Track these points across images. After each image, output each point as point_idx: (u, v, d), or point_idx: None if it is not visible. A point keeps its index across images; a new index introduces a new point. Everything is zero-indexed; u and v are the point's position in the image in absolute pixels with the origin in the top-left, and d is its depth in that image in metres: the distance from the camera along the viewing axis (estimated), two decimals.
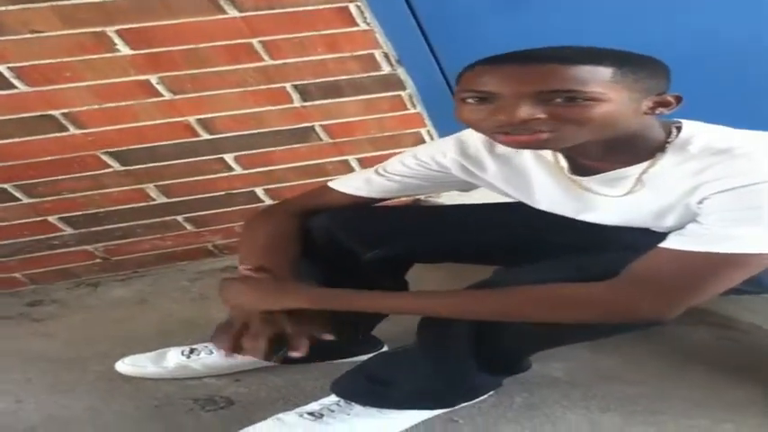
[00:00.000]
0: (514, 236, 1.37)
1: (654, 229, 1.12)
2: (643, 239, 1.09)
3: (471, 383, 1.30)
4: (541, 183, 1.22)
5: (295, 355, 1.14)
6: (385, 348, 1.57)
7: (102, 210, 2.03)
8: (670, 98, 0.97)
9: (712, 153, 0.98)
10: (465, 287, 1.17)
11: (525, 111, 0.91)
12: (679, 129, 1.05)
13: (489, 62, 0.94)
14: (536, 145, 0.98)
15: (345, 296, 1.17)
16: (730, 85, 2.02)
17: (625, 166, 1.07)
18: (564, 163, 1.15)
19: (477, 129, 1.00)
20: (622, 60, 0.92)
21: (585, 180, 1.13)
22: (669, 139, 1.04)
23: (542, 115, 0.91)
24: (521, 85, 0.90)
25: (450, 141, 1.29)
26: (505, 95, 0.91)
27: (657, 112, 0.97)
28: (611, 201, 1.13)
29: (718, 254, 0.94)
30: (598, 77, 0.89)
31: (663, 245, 1.00)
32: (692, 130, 1.04)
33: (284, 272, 1.25)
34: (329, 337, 1.16)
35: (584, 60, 0.89)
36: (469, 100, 0.96)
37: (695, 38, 1.91)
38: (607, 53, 0.92)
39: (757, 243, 0.93)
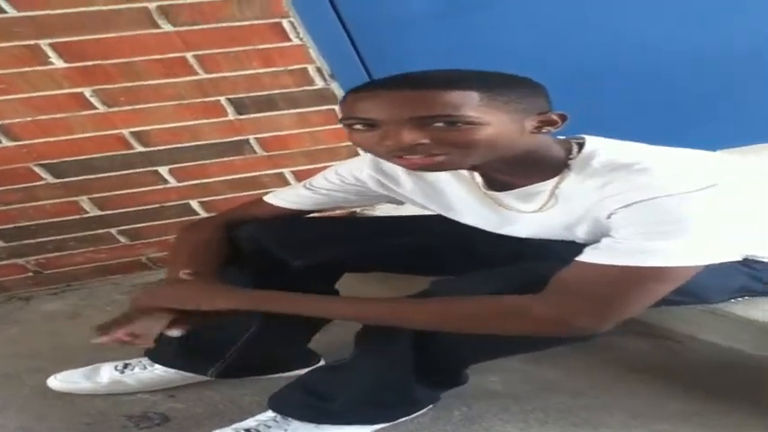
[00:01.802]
0: (443, 245, 1.41)
1: (569, 239, 1.16)
2: (569, 249, 1.12)
3: (410, 397, 1.31)
4: (459, 198, 1.26)
5: (172, 333, 1.14)
6: (322, 362, 1.57)
7: (34, 222, 2.02)
8: (554, 117, 1.00)
9: (613, 168, 1.01)
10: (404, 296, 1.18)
11: (408, 136, 0.93)
12: (581, 144, 1.09)
13: (363, 89, 0.97)
14: (432, 167, 1.00)
15: (279, 298, 1.18)
16: (670, 97, 2.12)
17: (537, 182, 1.11)
18: (479, 179, 1.19)
19: (372, 153, 1.03)
20: (489, 83, 0.94)
21: (501, 195, 1.17)
22: (571, 156, 1.08)
23: (425, 140, 0.94)
24: (397, 112, 0.92)
25: (366, 158, 1.31)
26: (386, 122, 0.94)
27: (544, 131, 1.01)
28: (525, 216, 1.17)
29: (631, 267, 0.96)
30: (468, 102, 0.91)
31: (580, 258, 1.02)
32: (595, 145, 1.08)
33: (210, 276, 1.24)
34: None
35: (452, 86, 0.91)
36: (356, 126, 0.98)
37: (628, 51, 1.99)
38: (474, 77, 0.94)
39: (668, 257, 0.95)
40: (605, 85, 1.97)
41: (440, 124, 0.92)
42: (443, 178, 1.25)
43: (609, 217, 0.99)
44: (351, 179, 1.34)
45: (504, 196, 1.16)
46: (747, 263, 1.24)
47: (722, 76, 2.13)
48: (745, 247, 1.21)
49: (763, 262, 1.25)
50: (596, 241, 1.04)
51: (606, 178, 1.01)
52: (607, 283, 0.98)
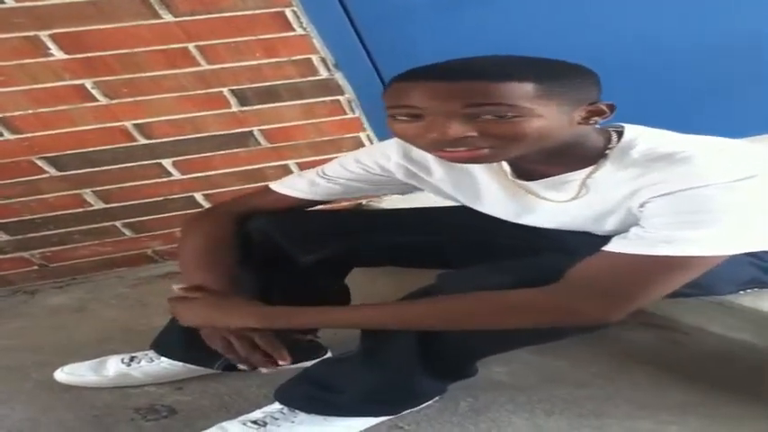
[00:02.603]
0: (455, 239, 1.40)
1: (593, 232, 1.15)
2: (584, 242, 1.12)
3: (417, 389, 1.30)
4: (487, 186, 1.24)
5: (283, 364, 1.16)
6: (329, 354, 1.55)
7: (38, 216, 2.02)
8: (603, 107, 0.98)
9: (653, 158, 1.00)
10: (409, 293, 1.18)
11: (456, 129, 0.91)
12: (620, 133, 1.07)
13: (410, 77, 0.94)
14: (477, 160, 0.98)
15: (293, 314, 1.17)
16: (670, 90, 2.11)
17: (569, 171, 1.09)
18: (506, 167, 1.18)
19: (414, 145, 1.01)
20: (544, 74, 0.91)
21: (530, 184, 1.15)
22: (610, 145, 1.06)
23: (473, 133, 0.92)
24: (446, 103, 0.90)
25: (393, 145, 1.29)
26: (433, 113, 0.92)
27: (591, 121, 0.99)
28: (554, 205, 1.15)
29: (660, 256, 0.96)
30: (522, 93, 0.88)
31: (607, 248, 1.02)
32: (635, 134, 1.06)
33: (222, 285, 1.24)
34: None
35: (507, 77, 0.89)
36: (399, 116, 0.96)
37: (635, 42, 1.99)
38: (529, 67, 0.92)
39: (698, 246, 0.95)
40: (609, 78, 1.97)
41: (488, 116, 0.90)
42: (475, 166, 1.23)
43: (642, 206, 0.99)
44: (376, 168, 1.31)
45: (533, 185, 1.15)
46: (757, 254, 1.23)
47: (724, 68, 2.12)
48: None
49: None
50: (619, 232, 1.04)
51: (645, 168, 1.00)
52: (630, 272, 0.98)
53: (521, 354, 1.25)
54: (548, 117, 0.91)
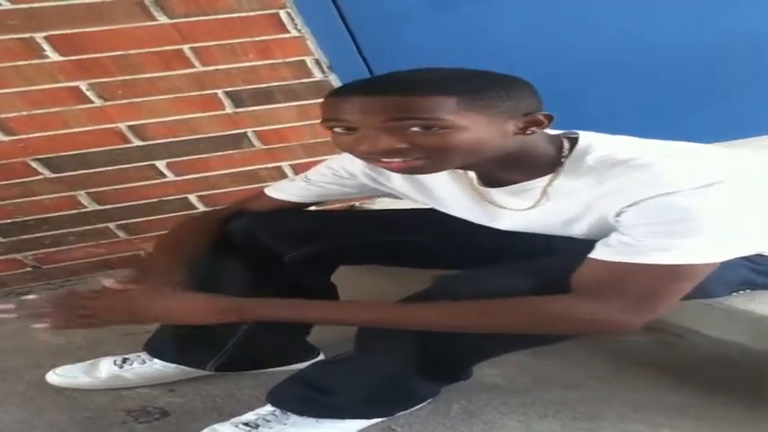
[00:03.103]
0: (438, 239, 1.41)
1: (566, 234, 1.16)
2: (566, 241, 1.14)
3: (413, 392, 1.31)
4: (449, 193, 1.26)
5: None
6: (321, 356, 1.58)
7: (32, 217, 2.03)
8: (540, 117, 0.99)
9: (610, 165, 1.01)
10: (409, 296, 1.17)
11: (385, 141, 0.94)
12: (573, 140, 1.08)
13: (338, 93, 0.97)
14: (411, 171, 1.01)
15: (276, 305, 1.16)
16: (666, 91, 2.12)
17: (528, 179, 1.10)
18: (472, 174, 1.19)
19: (353, 155, 1.02)
20: (469, 87, 0.93)
21: (492, 191, 1.17)
22: (563, 153, 1.07)
23: (403, 145, 0.94)
24: (373, 116, 0.92)
25: None
26: (363, 125, 0.94)
27: (529, 131, 0.99)
28: (517, 213, 1.17)
29: (660, 264, 0.96)
30: (445, 106, 0.90)
31: (596, 255, 1.02)
32: (589, 141, 1.07)
33: (176, 269, 1.23)
34: None
35: (429, 90, 0.91)
36: (336, 129, 0.98)
37: (624, 44, 2.00)
38: (454, 80, 0.94)
39: (690, 254, 0.96)
40: (602, 79, 1.98)
41: (416, 129, 0.92)
42: (435, 174, 1.21)
43: (618, 215, 0.99)
44: (343, 173, 1.34)
45: (495, 192, 1.16)
46: (749, 257, 1.23)
47: (718, 68, 2.13)
48: (757, 241, 1.19)
49: (765, 256, 1.25)
50: (596, 237, 1.05)
51: (603, 175, 1.01)
52: (647, 280, 0.99)
53: (514, 356, 1.24)
54: (474, 129, 0.92)
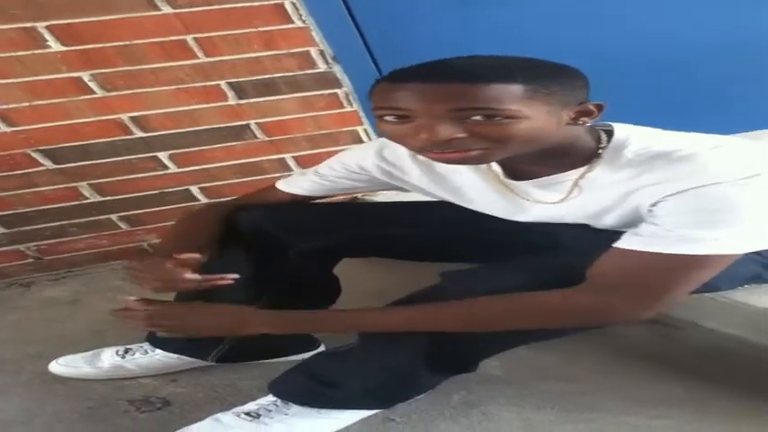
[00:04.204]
0: (443, 232, 1.43)
1: (591, 225, 1.17)
2: (578, 236, 1.16)
3: (417, 383, 1.32)
4: (472, 185, 1.27)
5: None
6: (321, 348, 1.61)
7: (34, 209, 2.04)
8: (592, 107, 0.98)
9: (649, 157, 1.01)
10: (413, 293, 1.19)
11: (445, 130, 0.92)
12: (609, 133, 1.08)
13: (397, 78, 0.94)
14: (467, 161, 0.99)
15: (313, 319, 1.23)
16: (676, 88, 2.13)
17: (561, 172, 1.11)
18: (497, 168, 1.20)
19: (404, 146, 1.02)
20: (532, 75, 0.91)
21: (521, 184, 1.17)
22: (601, 145, 1.07)
23: (462, 134, 0.93)
24: (433, 105, 0.90)
25: (373, 146, 1.33)
26: (421, 114, 0.92)
27: (580, 122, 0.99)
28: (545, 206, 1.17)
29: (684, 255, 0.97)
30: (510, 95, 0.89)
31: (624, 245, 1.03)
32: (626, 134, 1.07)
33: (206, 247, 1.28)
34: None
35: (493, 78, 0.89)
36: (388, 117, 0.97)
37: (644, 39, 2.01)
38: (516, 68, 0.91)
39: (720, 244, 0.97)
40: (620, 74, 1.98)
41: (477, 117, 0.91)
42: (458, 168, 1.25)
43: (654, 205, 1.00)
44: (355, 168, 1.36)
45: (524, 185, 1.17)
46: (760, 251, 1.23)
47: (740, 62, 2.13)
48: None
49: None
50: (624, 228, 1.06)
51: (642, 167, 1.02)
52: (656, 270, 1.00)
53: (514, 348, 1.26)
54: (536, 118, 0.91)
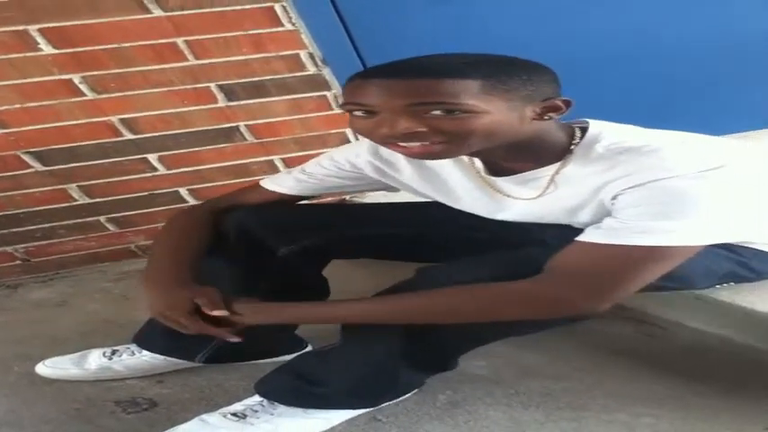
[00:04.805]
0: (431, 232, 1.46)
1: (570, 224, 1.21)
2: (563, 234, 1.17)
3: (399, 382, 1.36)
4: (458, 183, 1.30)
5: (233, 340, 1.22)
6: (308, 348, 1.63)
7: (22, 210, 2.05)
8: (558, 103, 1.02)
9: (619, 151, 1.05)
10: (387, 288, 1.23)
11: (404, 124, 0.96)
12: (584, 129, 1.12)
13: (360, 76, 0.99)
14: (430, 155, 1.04)
15: (278, 309, 1.24)
16: (667, 85, 2.17)
17: (536, 168, 1.14)
18: (479, 164, 1.23)
19: (370, 139, 1.06)
20: (490, 71, 0.95)
21: (500, 180, 1.21)
22: (574, 141, 1.11)
23: (422, 128, 0.97)
24: (391, 99, 0.95)
25: (364, 144, 1.35)
26: (383, 109, 0.96)
27: (546, 117, 1.03)
28: (524, 203, 1.21)
29: (637, 246, 1.01)
30: (467, 90, 0.92)
31: (583, 238, 1.07)
32: (599, 129, 1.11)
33: (185, 273, 1.27)
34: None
35: (450, 74, 0.93)
36: (356, 112, 1.01)
37: (625, 37, 2.03)
38: (476, 64, 0.95)
39: (674, 236, 1.00)
40: (602, 71, 2.02)
41: (437, 112, 0.94)
42: (444, 164, 1.29)
43: (614, 198, 1.04)
44: (347, 165, 1.38)
45: (503, 181, 1.20)
46: (734, 248, 1.28)
47: (720, 62, 2.16)
48: (744, 231, 1.24)
49: (751, 248, 1.29)
50: (595, 222, 1.09)
51: (611, 161, 1.05)
52: (611, 261, 1.03)
53: (499, 347, 1.29)
54: (495, 113, 0.95)
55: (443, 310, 1.14)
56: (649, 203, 1.00)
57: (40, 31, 1.66)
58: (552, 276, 1.07)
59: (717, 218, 1.03)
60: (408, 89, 0.94)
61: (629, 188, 1.01)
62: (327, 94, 2.02)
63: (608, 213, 1.08)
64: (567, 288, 1.06)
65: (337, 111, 2.07)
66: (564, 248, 1.09)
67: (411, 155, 1.04)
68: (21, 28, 1.65)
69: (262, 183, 1.48)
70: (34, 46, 1.69)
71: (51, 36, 1.68)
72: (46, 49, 1.70)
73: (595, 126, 1.13)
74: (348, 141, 2.14)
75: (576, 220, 1.18)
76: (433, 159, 1.17)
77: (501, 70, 0.96)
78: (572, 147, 1.11)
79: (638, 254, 1.01)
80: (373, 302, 1.20)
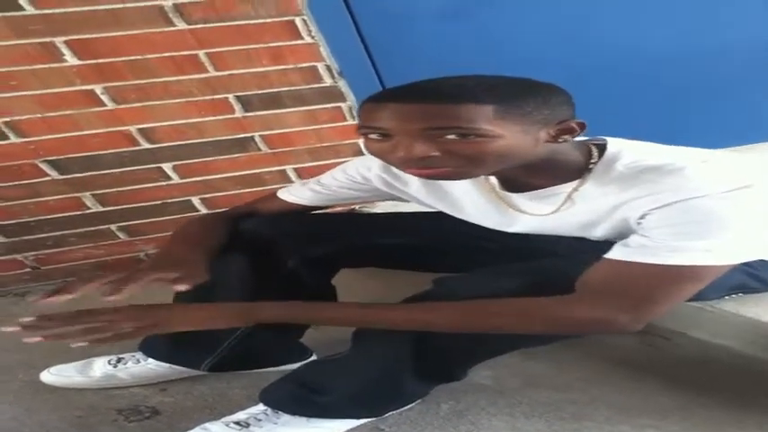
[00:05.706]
0: (440, 242, 1.49)
1: (581, 236, 1.23)
2: (573, 246, 1.23)
3: (404, 391, 1.38)
4: (468, 198, 1.33)
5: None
6: (313, 357, 1.65)
7: (34, 218, 2.07)
8: (573, 125, 1.02)
9: (640, 170, 1.07)
10: (407, 297, 1.24)
11: (419, 148, 0.97)
12: (601, 147, 1.15)
13: (375, 99, 1.00)
14: (443, 177, 1.06)
15: (276, 307, 1.23)
16: (664, 98, 2.25)
17: (555, 185, 1.16)
18: (493, 180, 1.26)
19: (386, 161, 1.08)
20: (506, 95, 0.95)
21: (515, 196, 1.23)
22: (592, 159, 1.13)
23: (436, 153, 0.99)
24: (407, 123, 0.96)
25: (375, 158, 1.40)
26: (399, 133, 0.98)
27: (560, 140, 1.03)
28: (538, 218, 1.23)
29: (674, 266, 1.02)
30: (482, 115, 0.93)
31: (614, 256, 1.08)
32: (618, 148, 1.13)
33: (199, 265, 1.27)
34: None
35: (466, 98, 0.93)
36: (371, 135, 1.02)
37: (633, 51, 2.12)
38: (491, 88, 0.96)
39: (709, 256, 1.02)
40: (613, 84, 2.10)
41: (452, 136, 0.95)
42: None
43: (642, 217, 1.05)
44: (358, 178, 1.41)
45: (518, 197, 1.23)
46: (750, 261, 1.30)
47: (718, 75, 2.23)
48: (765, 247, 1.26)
49: (761, 259, 1.32)
50: (614, 239, 1.12)
51: (632, 180, 1.07)
52: (649, 281, 1.04)
53: (503, 357, 1.31)
54: (509, 137, 0.95)
55: (476, 322, 1.14)
56: (682, 223, 1.00)
57: (67, 42, 1.70)
58: (589, 296, 1.09)
59: (748, 237, 1.05)
60: (424, 114, 0.95)
61: (657, 208, 1.02)
62: (342, 105, 2.05)
63: (629, 230, 1.10)
64: (605, 308, 1.07)
65: (351, 122, 2.10)
66: (594, 266, 1.11)
67: (426, 176, 1.05)
68: (47, 40, 1.68)
69: (279, 194, 1.52)
70: (59, 57, 1.72)
71: (77, 47, 1.72)
72: (71, 60, 1.73)
73: (614, 144, 1.15)
74: (360, 152, 2.16)
75: (590, 235, 1.21)
76: (446, 180, 1.17)
77: (516, 94, 0.97)
78: (591, 165, 1.13)
79: (673, 273, 1.02)
80: (407, 309, 1.21)
